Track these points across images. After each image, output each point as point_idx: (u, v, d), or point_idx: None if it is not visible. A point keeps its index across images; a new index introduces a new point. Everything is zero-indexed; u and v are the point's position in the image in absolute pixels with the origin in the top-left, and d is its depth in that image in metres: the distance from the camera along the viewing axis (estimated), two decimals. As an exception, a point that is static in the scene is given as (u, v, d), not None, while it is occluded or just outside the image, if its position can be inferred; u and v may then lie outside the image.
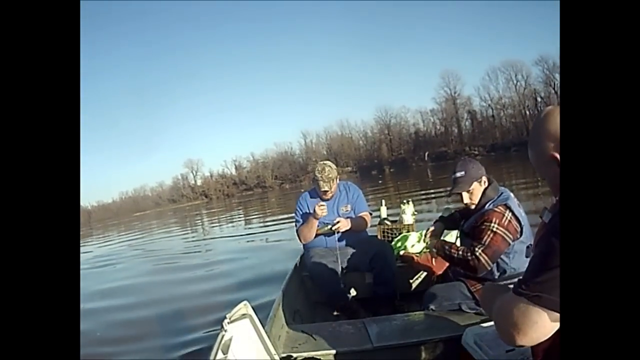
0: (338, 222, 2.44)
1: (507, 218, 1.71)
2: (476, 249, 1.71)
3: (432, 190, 13.65)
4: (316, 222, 2.48)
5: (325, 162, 2.59)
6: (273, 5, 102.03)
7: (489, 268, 1.73)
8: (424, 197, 11.97)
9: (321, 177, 2.49)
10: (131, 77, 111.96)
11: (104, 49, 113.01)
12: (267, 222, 13.28)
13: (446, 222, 2.13)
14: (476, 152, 42.05)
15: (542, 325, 0.75)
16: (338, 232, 2.47)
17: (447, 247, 1.86)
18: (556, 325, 0.75)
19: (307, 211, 2.58)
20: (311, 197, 2.64)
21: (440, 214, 2.21)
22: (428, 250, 2.40)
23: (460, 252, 1.78)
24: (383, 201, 3.46)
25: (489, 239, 1.70)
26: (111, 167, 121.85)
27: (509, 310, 0.80)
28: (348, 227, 2.47)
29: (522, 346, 0.80)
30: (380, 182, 25.25)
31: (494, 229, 1.69)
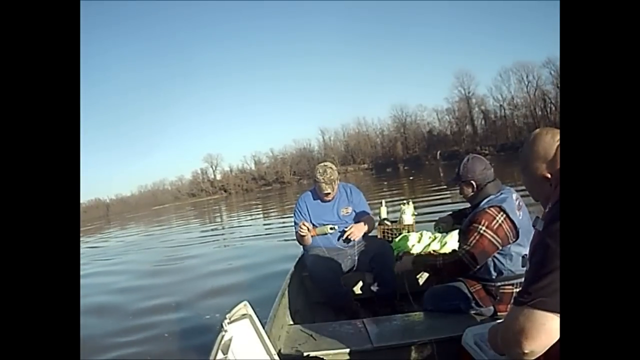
0: (351, 229, 2.44)
1: (497, 221, 1.68)
2: (459, 250, 1.75)
3: (444, 186, 13.74)
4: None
5: (325, 163, 2.59)
6: (291, 4, 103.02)
7: (474, 268, 1.74)
8: (437, 195, 12.00)
9: (322, 179, 2.48)
10: (150, 71, 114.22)
11: (122, 42, 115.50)
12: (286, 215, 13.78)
13: (457, 217, 2.16)
14: (486, 152, 42.56)
15: (550, 327, 0.75)
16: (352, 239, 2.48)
17: (424, 259, 1.87)
18: None
19: (307, 213, 2.58)
20: (313, 199, 2.63)
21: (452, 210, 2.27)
22: (431, 247, 2.43)
23: (441, 259, 1.79)
24: (383, 201, 3.44)
25: (474, 241, 1.70)
26: (131, 161, 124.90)
27: (514, 319, 0.80)
28: (361, 233, 2.48)
29: (532, 355, 0.78)
30: (402, 180, 25.71)
31: (481, 232, 1.69)
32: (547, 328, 0.75)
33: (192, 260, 7.15)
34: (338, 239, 2.51)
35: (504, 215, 1.69)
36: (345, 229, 2.48)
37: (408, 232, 2.93)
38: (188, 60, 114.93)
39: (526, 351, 0.78)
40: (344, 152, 64.39)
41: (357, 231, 2.46)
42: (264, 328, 1.54)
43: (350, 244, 2.52)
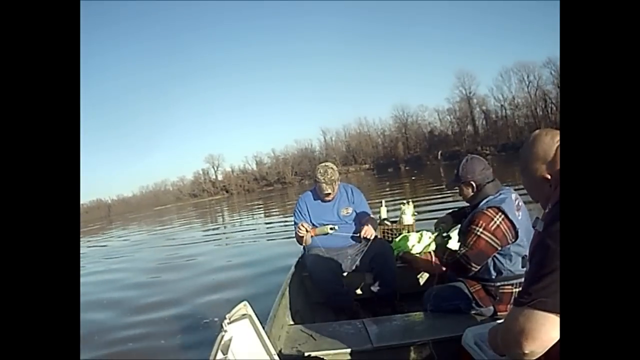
0: (365, 229, 2.42)
1: (495, 222, 1.69)
2: (459, 251, 1.78)
3: (443, 186, 13.80)
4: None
5: (327, 163, 2.58)
6: (291, 4, 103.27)
7: (474, 269, 1.76)
8: (438, 195, 12.03)
9: (323, 179, 2.48)
10: (151, 71, 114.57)
11: (122, 43, 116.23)
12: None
13: (457, 217, 2.17)
14: (487, 152, 42.63)
15: (550, 327, 0.75)
16: (368, 239, 2.44)
17: (440, 249, 1.99)
18: None
19: (307, 213, 2.58)
20: (313, 199, 2.63)
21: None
22: (431, 247, 2.45)
23: (446, 254, 1.88)
24: (383, 201, 3.47)
25: (472, 242, 1.72)
26: (132, 161, 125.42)
27: (515, 320, 0.80)
28: (374, 232, 2.46)
29: (532, 355, 0.78)
30: (404, 180, 25.91)
31: (479, 233, 1.70)
32: (547, 328, 0.75)
33: (195, 258, 7.27)
34: (354, 240, 2.49)
35: (502, 216, 1.69)
36: (360, 231, 2.44)
37: (408, 232, 2.95)
38: (189, 61, 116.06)
39: (526, 352, 0.78)
40: (345, 152, 64.84)
41: (370, 229, 2.43)
42: (263, 328, 1.54)
43: (350, 244, 2.52)
